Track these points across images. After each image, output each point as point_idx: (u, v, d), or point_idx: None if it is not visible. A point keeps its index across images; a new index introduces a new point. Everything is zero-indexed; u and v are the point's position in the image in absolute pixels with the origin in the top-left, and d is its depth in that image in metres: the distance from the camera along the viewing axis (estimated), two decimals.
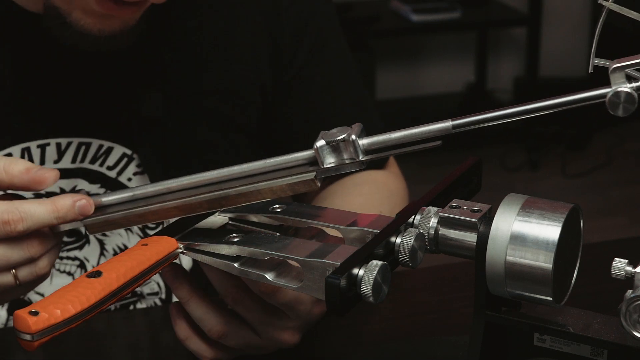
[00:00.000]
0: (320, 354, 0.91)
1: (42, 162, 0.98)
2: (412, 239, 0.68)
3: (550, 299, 0.68)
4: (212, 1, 1.02)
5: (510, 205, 0.69)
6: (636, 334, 0.66)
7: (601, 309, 0.73)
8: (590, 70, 0.65)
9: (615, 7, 0.63)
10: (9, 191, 0.79)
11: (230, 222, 0.80)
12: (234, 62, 1.03)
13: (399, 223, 0.71)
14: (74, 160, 1.00)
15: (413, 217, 0.72)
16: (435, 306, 0.99)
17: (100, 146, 1.00)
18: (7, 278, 0.77)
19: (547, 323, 0.72)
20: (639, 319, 0.66)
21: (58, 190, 0.99)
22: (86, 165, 1.00)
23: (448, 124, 0.68)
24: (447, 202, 0.73)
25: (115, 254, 1.04)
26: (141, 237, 1.02)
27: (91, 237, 1.03)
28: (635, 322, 0.66)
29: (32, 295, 1.02)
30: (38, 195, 0.92)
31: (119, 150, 1.01)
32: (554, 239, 0.67)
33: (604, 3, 0.63)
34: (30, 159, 0.98)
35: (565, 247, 0.68)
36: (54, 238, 0.78)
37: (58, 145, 0.99)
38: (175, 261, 0.78)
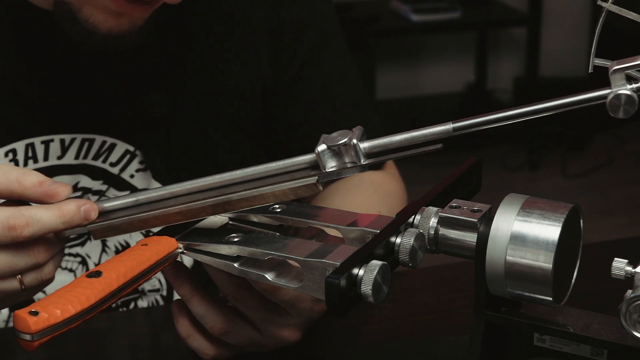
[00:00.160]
0: (320, 353, 0.91)
1: (46, 158, 0.99)
2: (412, 239, 0.68)
3: (550, 299, 0.68)
4: (215, 2, 1.02)
5: (510, 205, 0.69)
6: (636, 334, 0.66)
7: (601, 309, 0.73)
8: (590, 70, 0.65)
9: (615, 8, 0.63)
10: None
11: (230, 222, 0.80)
12: (237, 62, 1.04)
13: (399, 223, 0.71)
14: (77, 157, 1.00)
15: (413, 217, 0.72)
16: (435, 306, 0.99)
17: (104, 142, 1.00)
18: (12, 284, 0.77)
19: (547, 323, 0.72)
20: (639, 319, 0.66)
21: None
22: (89, 161, 1.01)
23: (449, 126, 0.68)
24: (447, 202, 0.73)
25: (117, 250, 1.05)
26: (143, 234, 1.02)
27: None
28: (635, 322, 0.66)
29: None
30: None
31: (122, 147, 1.01)
32: (554, 239, 0.67)
33: (603, 4, 0.63)
34: (34, 155, 0.98)
35: (565, 247, 0.68)
36: (59, 244, 0.78)
37: (62, 141, 0.99)
38: (185, 266, 0.78)
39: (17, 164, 0.98)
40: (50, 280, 0.79)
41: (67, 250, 1.03)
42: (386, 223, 0.72)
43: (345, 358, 0.92)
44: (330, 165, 0.71)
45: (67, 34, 0.89)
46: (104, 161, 1.01)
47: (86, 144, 1.00)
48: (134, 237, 1.04)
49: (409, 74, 3.81)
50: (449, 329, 0.95)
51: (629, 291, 0.67)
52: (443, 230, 0.71)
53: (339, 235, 0.75)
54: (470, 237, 0.70)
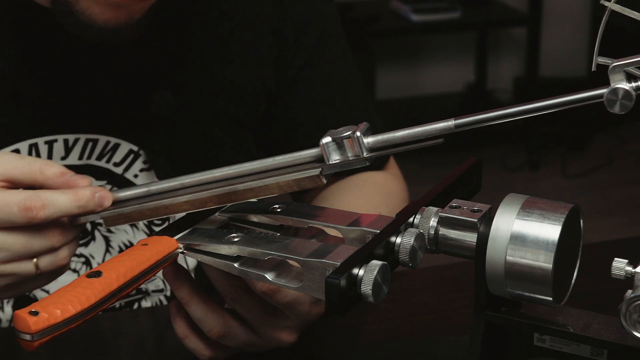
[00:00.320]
0: (320, 354, 0.91)
1: (50, 159, 0.99)
2: (412, 239, 0.68)
3: (550, 299, 0.68)
4: (217, 2, 1.02)
5: (510, 205, 0.69)
6: (636, 334, 0.66)
7: (601, 309, 0.73)
8: (593, 68, 0.65)
9: (617, 8, 0.63)
10: None
11: (231, 222, 0.80)
12: (240, 62, 1.04)
13: (399, 223, 0.71)
14: (81, 157, 1.00)
15: (413, 217, 0.72)
16: (435, 306, 0.99)
17: (107, 143, 1.00)
18: (28, 266, 0.78)
19: (547, 323, 0.72)
20: (639, 319, 0.66)
21: None
22: (93, 161, 1.01)
23: (451, 123, 0.69)
24: (447, 202, 0.73)
25: (121, 250, 1.05)
26: (147, 234, 1.02)
27: (97, 234, 1.04)
28: (635, 322, 0.66)
29: (37, 292, 1.02)
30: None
31: (125, 147, 1.01)
32: (554, 239, 0.67)
33: (606, 3, 0.63)
34: (38, 155, 0.98)
35: (565, 247, 0.68)
36: (74, 230, 0.80)
37: (65, 141, 0.99)
38: (179, 261, 0.78)
39: None
40: (65, 266, 0.80)
41: None
42: (386, 223, 0.72)
43: (345, 358, 0.92)
44: (334, 158, 0.73)
45: (64, 29, 0.89)
46: (108, 161, 1.01)
47: (90, 144, 1.00)
48: (138, 237, 1.04)
49: (409, 74, 3.81)
50: (449, 329, 0.95)
51: (629, 291, 0.67)
52: (443, 230, 0.71)
53: (339, 235, 0.75)
54: (470, 237, 0.70)
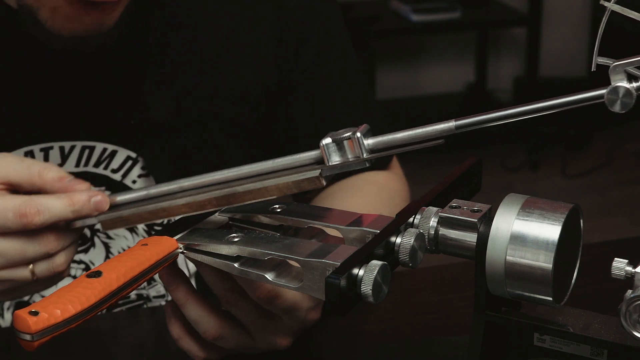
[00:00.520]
0: (320, 354, 0.91)
1: None
2: (412, 239, 0.68)
3: (550, 299, 0.68)
4: (217, 4, 1.02)
5: (510, 205, 0.69)
6: (636, 334, 0.66)
7: (601, 309, 0.73)
8: (593, 68, 0.65)
9: (617, 8, 0.63)
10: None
11: (230, 222, 0.80)
12: (240, 65, 1.03)
13: (399, 223, 0.71)
14: (77, 164, 0.99)
15: (413, 217, 0.72)
16: (435, 306, 0.99)
17: (104, 150, 1.00)
18: (23, 272, 0.78)
19: (547, 323, 0.72)
20: (639, 319, 0.66)
21: None
22: (90, 168, 1.00)
23: (451, 124, 0.69)
24: (447, 202, 0.73)
25: None
26: (145, 231, 1.02)
27: (96, 241, 1.03)
28: (635, 322, 0.66)
29: (36, 297, 1.02)
30: None
31: (123, 154, 1.01)
32: (554, 239, 0.67)
33: (606, 4, 0.63)
34: None
35: (565, 247, 0.68)
36: (71, 235, 0.79)
37: (61, 148, 0.98)
38: (181, 264, 0.78)
39: None
40: (63, 272, 0.80)
41: None
42: (386, 223, 0.72)
43: (345, 358, 0.92)
44: (334, 159, 0.72)
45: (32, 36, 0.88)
46: (106, 168, 1.01)
47: (86, 151, 0.99)
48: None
49: (409, 74, 3.81)
50: (449, 329, 0.94)
51: (629, 291, 0.67)
52: (443, 230, 0.71)
53: (339, 235, 0.75)
54: (470, 237, 0.70)
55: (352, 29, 3.17)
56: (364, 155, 0.72)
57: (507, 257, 0.68)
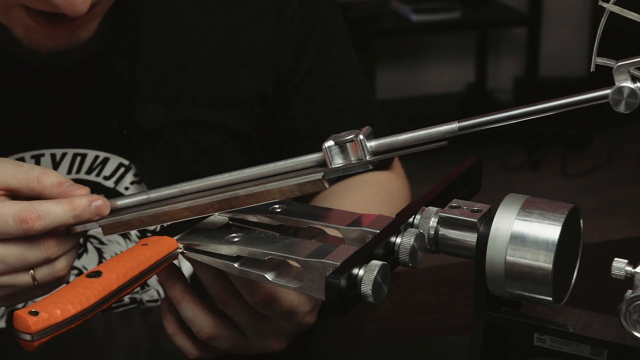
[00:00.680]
0: (320, 354, 0.91)
1: None
2: (412, 239, 0.68)
3: (550, 299, 0.68)
4: (212, 9, 1.01)
5: (510, 205, 0.69)
6: (636, 334, 0.66)
7: (601, 309, 0.73)
8: (592, 69, 0.65)
9: (616, 9, 0.63)
10: None
11: (230, 222, 0.80)
12: (235, 71, 1.02)
13: (399, 223, 0.71)
14: (69, 171, 0.99)
15: (413, 217, 0.72)
16: (435, 306, 0.99)
17: (96, 157, 0.99)
18: (24, 278, 0.77)
19: (547, 323, 0.72)
20: (639, 319, 0.66)
21: None
22: (82, 176, 1.00)
23: (454, 125, 0.68)
24: (447, 202, 0.73)
25: None
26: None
27: (89, 246, 1.03)
28: (635, 322, 0.66)
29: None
30: None
31: (115, 161, 1.00)
32: (554, 239, 0.67)
33: (605, 5, 0.63)
34: None
35: (565, 247, 0.68)
36: (71, 240, 0.79)
37: (53, 156, 0.98)
38: (178, 267, 0.78)
39: None
40: (64, 277, 0.79)
41: None
42: (386, 223, 0.72)
43: (345, 358, 0.92)
44: (337, 162, 0.72)
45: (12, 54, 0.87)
46: (98, 175, 1.00)
47: (78, 159, 0.99)
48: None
49: (409, 74, 3.81)
50: (449, 329, 0.94)
51: (629, 291, 0.67)
52: (443, 230, 0.71)
53: (339, 235, 0.75)
54: (470, 237, 0.70)
55: (352, 29, 3.17)
56: (367, 157, 0.71)
57: (507, 257, 0.68)
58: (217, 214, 0.79)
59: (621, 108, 0.63)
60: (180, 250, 0.75)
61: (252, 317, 0.80)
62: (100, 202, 0.77)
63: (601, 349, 0.70)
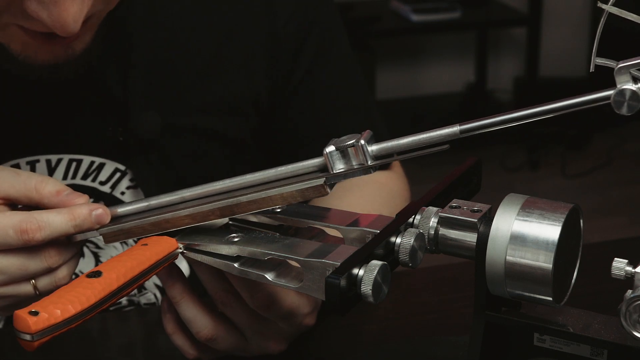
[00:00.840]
0: (320, 354, 0.91)
1: None
2: (412, 239, 0.68)
3: (550, 299, 0.68)
4: (204, 20, 1.00)
5: (510, 205, 0.69)
6: (636, 334, 0.66)
7: (601, 309, 0.73)
8: (591, 69, 0.65)
9: (615, 10, 0.63)
10: None
11: (230, 222, 0.80)
12: (227, 79, 1.02)
13: (399, 223, 0.71)
14: (65, 177, 0.99)
15: (413, 217, 0.72)
16: (435, 306, 0.99)
17: (92, 162, 0.99)
18: (26, 288, 0.77)
19: (547, 323, 0.72)
20: (639, 319, 0.66)
21: None
22: (78, 181, 0.99)
23: (456, 128, 0.68)
24: (447, 202, 0.73)
25: None
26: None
27: (86, 250, 1.02)
28: (635, 322, 0.66)
29: None
30: None
31: (111, 166, 1.00)
32: (554, 239, 0.67)
33: (604, 6, 0.63)
34: None
35: (565, 247, 0.68)
36: (72, 248, 0.78)
37: (48, 162, 0.98)
38: (178, 267, 0.78)
39: None
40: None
41: None
42: (386, 223, 0.72)
43: (345, 358, 0.92)
44: (338, 167, 0.71)
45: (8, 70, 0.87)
46: (93, 180, 1.00)
47: (74, 164, 0.98)
48: None
49: (409, 74, 3.81)
50: (449, 329, 0.94)
51: (629, 291, 0.67)
52: (443, 230, 0.71)
53: (339, 235, 0.75)
54: (470, 237, 0.70)
55: (352, 29, 3.19)
56: (369, 162, 0.70)
57: (507, 257, 0.68)
58: None
59: (623, 110, 0.63)
60: (180, 250, 0.75)
61: (252, 319, 0.80)
62: (100, 211, 0.76)
63: (601, 349, 0.70)
